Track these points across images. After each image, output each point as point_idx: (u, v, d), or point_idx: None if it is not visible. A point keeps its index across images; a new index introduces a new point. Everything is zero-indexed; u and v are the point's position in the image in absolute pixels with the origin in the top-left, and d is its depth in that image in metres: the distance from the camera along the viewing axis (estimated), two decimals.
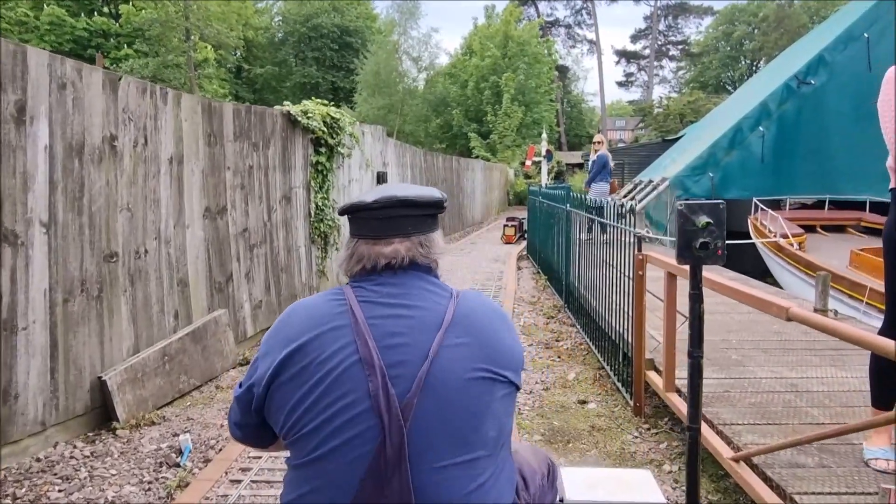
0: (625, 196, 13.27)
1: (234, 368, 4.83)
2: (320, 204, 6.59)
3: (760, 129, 9.94)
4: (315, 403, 1.13)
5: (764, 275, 8.78)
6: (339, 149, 6.73)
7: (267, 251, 5.64)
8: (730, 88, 47.11)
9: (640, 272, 3.63)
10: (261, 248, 5.53)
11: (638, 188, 12.78)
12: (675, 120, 38.09)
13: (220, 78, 33.10)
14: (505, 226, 13.67)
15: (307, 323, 1.20)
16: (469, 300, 1.27)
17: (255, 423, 1.28)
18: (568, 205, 6.57)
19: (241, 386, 1.29)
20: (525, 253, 11.94)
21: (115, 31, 29.60)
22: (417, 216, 1.29)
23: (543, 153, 20.54)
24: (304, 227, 6.41)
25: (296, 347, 1.17)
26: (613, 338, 4.36)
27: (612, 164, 9.52)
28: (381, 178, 8.72)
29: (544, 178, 20.45)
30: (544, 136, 20.82)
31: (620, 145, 42.77)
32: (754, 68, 48.70)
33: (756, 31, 46.31)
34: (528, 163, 21.93)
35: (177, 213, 4.40)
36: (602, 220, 4.86)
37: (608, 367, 4.49)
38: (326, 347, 1.16)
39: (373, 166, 8.59)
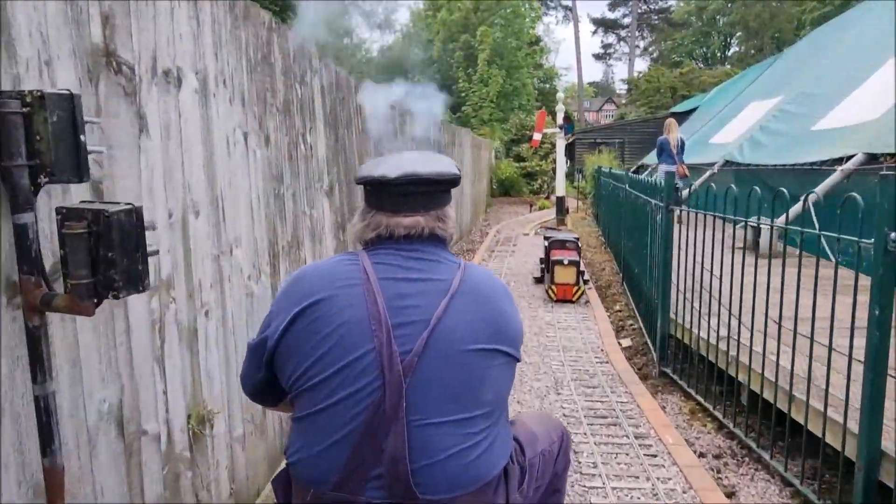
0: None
1: None
2: None
3: None
4: (324, 356, 1.18)
5: None
6: None
7: None
8: (701, 65, 43.76)
9: None
10: None
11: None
12: (667, 94, 33.93)
13: None
14: (555, 263, 6.13)
15: (320, 282, 1.25)
16: (475, 273, 1.32)
17: (263, 377, 1.32)
18: None
19: (255, 337, 1.33)
20: (641, 349, 4.89)
21: None
22: (436, 192, 1.33)
23: (560, 122, 13.23)
24: None
25: (309, 303, 1.22)
26: None
27: (672, 146, 8.84)
28: None
29: (561, 164, 13.19)
30: (561, 95, 13.59)
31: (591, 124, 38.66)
32: (728, 43, 45.63)
33: (730, 4, 41.36)
34: (537, 137, 14.47)
35: None
36: None
37: None
38: (339, 303, 1.21)
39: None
